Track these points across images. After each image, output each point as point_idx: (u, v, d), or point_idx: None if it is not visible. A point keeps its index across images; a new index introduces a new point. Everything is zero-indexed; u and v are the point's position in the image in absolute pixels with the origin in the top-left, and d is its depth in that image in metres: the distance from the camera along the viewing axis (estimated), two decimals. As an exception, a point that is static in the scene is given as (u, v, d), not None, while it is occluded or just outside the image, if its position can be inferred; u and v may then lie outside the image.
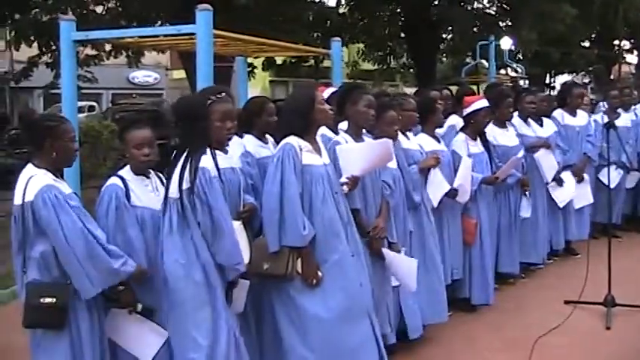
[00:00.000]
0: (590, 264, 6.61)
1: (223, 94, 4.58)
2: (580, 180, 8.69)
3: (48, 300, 3.99)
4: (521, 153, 7.32)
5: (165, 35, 7.17)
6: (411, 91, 15.02)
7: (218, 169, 4.28)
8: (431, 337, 6.04)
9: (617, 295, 6.53)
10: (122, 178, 4.36)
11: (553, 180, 8.13)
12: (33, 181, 4.03)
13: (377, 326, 4.78)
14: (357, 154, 4.94)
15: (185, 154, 4.21)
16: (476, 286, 6.75)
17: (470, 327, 6.42)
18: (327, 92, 5.76)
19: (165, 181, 4.35)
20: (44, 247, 4.02)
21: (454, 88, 9.24)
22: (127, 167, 4.44)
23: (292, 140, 4.59)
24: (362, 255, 4.82)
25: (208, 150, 4.27)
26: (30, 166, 4.13)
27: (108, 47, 17.92)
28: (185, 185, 4.12)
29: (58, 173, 4.20)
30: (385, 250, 5.23)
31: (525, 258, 7.83)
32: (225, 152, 4.65)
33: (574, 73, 37.15)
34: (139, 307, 4.23)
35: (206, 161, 4.21)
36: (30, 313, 4.03)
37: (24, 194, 4.03)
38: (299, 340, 4.54)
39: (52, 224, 3.96)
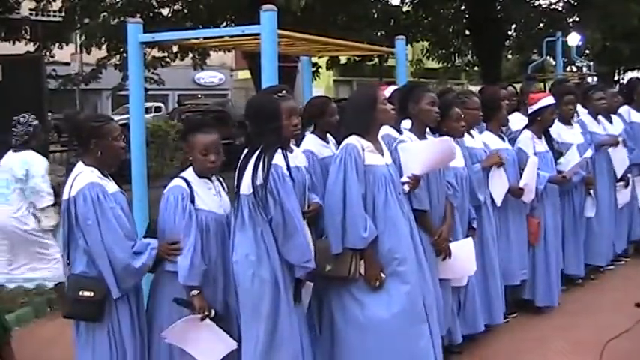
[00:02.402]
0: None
1: (284, 91, 4.59)
2: None
3: (87, 294, 4.15)
4: (589, 152, 7.15)
5: (230, 36, 7.22)
6: (476, 89, 14.90)
7: (289, 167, 4.30)
8: (497, 336, 6.01)
9: (689, 298, 6.36)
10: (186, 181, 4.32)
11: (621, 180, 7.93)
12: (79, 178, 4.19)
13: (435, 329, 4.75)
14: (419, 153, 4.90)
15: (258, 152, 4.23)
16: (540, 287, 6.65)
17: (536, 328, 6.33)
18: (388, 91, 5.72)
19: (232, 182, 4.36)
20: None
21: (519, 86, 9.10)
22: (190, 169, 4.40)
23: (354, 140, 4.57)
24: (424, 257, 4.79)
25: (280, 149, 4.29)
26: (80, 164, 4.28)
27: (174, 49, 18.18)
28: (258, 182, 4.15)
29: (107, 172, 4.35)
30: (451, 245, 5.21)
31: (590, 260, 7.66)
32: (291, 151, 4.64)
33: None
34: (212, 312, 4.22)
35: (278, 159, 4.23)
36: (69, 304, 4.26)
37: (70, 190, 4.19)
38: (358, 343, 4.53)
39: (89, 221, 4.09)
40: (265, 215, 4.16)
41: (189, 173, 4.38)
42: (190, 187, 4.28)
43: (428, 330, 4.64)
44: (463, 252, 5.30)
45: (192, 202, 4.26)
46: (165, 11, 17.47)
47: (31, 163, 6.54)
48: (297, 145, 5.06)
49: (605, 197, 7.75)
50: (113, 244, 4.08)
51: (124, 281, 4.14)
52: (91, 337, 4.22)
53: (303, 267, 4.25)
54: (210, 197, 4.38)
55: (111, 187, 4.27)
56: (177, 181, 4.33)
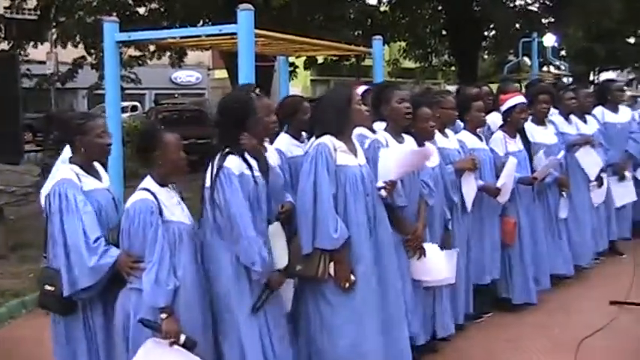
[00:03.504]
0: (637, 265, 6.51)
1: (257, 89, 4.56)
2: (622, 178, 8.53)
3: (48, 287, 4.16)
4: (561, 153, 7.19)
5: (207, 35, 7.20)
6: (453, 88, 14.91)
7: (251, 168, 4.19)
8: (471, 336, 6.02)
9: (664, 296, 6.44)
10: (151, 192, 4.01)
11: (596, 180, 7.96)
12: (56, 175, 4.20)
13: (402, 329, 4.76)
14: (398, 160, 4.84)
15: (220, 154, 4.18)
16: (516, 285, 6.67)
17: (512, 327, 6.36)
18: (359, 90, 5.69)
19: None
20: None
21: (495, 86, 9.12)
22: (149, 179, 4.09)
23: (326, 140, 4.52)
24: (385, 258, 4.74)
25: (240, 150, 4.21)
26: (66, 161, 4.28)
27: (151, 48, 18.12)
28: (207, 184, 4.13)
29: (94, 168, 4.31)
30: (427, 246, 5.18)
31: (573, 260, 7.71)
32: (265, 150, 4.61)
33: (619, 70, 36.64)
34: (182, 338, 3.88)
35: (232, 161, 4.13)
36: (40, 296, 4.28)
37: (48, 187, 4.23)
38: (330, 347, 4.51)
39: (55, 216, 4.06)
40: (214, 218, 4.11)
41: (150, 183, 4.06)
42: (157, 199, 3.99)
43: (401, 331, 4.64)
44: (440, 259, 5.29)
45: (160, 214, 3.97)
46: (141, 10, 17.40)
47: None
48: (271, 144, 5.04)
49: (581, 197, 7.77)
50: (71, 241, 4.00)
51: (80, 279, 4.02)
52: (61, 331, 4.24)
53: (252, 270, 4.11)
54: (176, 207, 4.12)
55: (91, 183, 4.22)
56: (142, 194, 4.00)
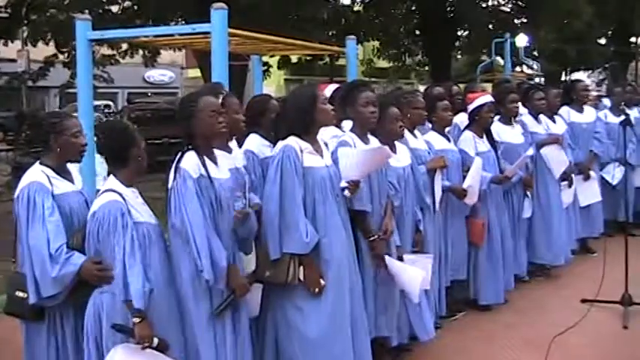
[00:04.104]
0: (607, 262, 6.57)
1: (222, 89, 4.54)
2: (587, 177, 8.62)
3: (20, 294, 4.05)
4: (530, 151, 7.22)
5: (181, 34, 7.19)
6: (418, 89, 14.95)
7: (207, 170, 4.03)
8: (447, 336, 6.03)
9: (634, 294, 6.49)
10: (118, 193, 3.88)
11: (564, 180, 8.03)
12: (25, 177, 4.09)
13: (365, 329, 4.72)
14: (357, 159, 4.73)
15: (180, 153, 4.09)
16: (483, 286, 6.68)
17: (486, 326, 6.40)
18: (328, 90, 5.63)
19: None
20: None
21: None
22: (113, 178, 3.97)
23: (292, 141, 4.44)
24: (356, 260, 4.73)
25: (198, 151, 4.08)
26: (36, 164, 4.16)
27: (124, 47, 18.02)
28: (169, 185, 4.02)
29: (66, 169, 4.23)
30: (389, 260, 5.05)
31: (539, 259, 7.77)
32: (229, 151, 4.55)
33: (590, 71, 37.00)
34: (155, 341, 3.77)
35: (188, 161, 4.00)
36: (8, 302, 4.14)
37: (17, 189, 4.11)
38: (300, 353, 4.46)
39: (21, 220, 3.98)
40: (171, 220, 4.00)
41: (115, 184, 3.94)
42: (124, 200, 3.87)
43: (350, 335, 4.55)
44: (409, 277, 5.14)
45: (129, 215, 3.86)
46: (114, 8, 17.29)
47: None
48: (240, 144, 5.00)
49: (551, 196, 7.82)
50: (34, 249, 3.91)
51: (43, 288, 3.92)
52: (31, 336, 4.16)
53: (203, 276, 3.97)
54: (142, 207, 4.01)
55: (63, 186, 4.14)
56: (109, 195, 3.86)
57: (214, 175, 4.05)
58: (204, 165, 4.01)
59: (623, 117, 7.20)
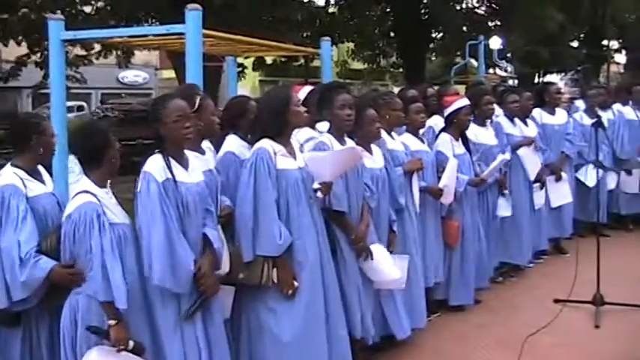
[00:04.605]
0: (579, 263, 6.64)
1: (198, 91, 4.52)
2: (558, 179, 8.70)
3: None
4: (507, 155, 7.29)
5: (155, 35, 7.15)
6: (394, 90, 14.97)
7: (173, 173, 3.97)
8: (420, 337, 6.05)
9: (605, 294, 6.56)
10: (93, 194, 3.85)
11: (536, 181, 8.12)
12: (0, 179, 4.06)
13: (342, 328, 4.75)
14: (325, 161, 4.77)
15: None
16: (454, 286, 6.72)
17: (459, 327, 6.43)
18: (303, 92, 5.62)
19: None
20: None
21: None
22: (85, 179, 3.93)
23: (265, 144, 4.46)
24: (329, 262, 4.75)
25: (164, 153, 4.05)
26: (7, 166, 4.13)
27: (97, 47, 17.90)
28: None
29: (38, 171, 4.21)
30: (375, 248, 5.16)
31: (509, 258, 7.85)
32: (203, 153, 4.54)
33: (563, 73, 37.31)
34: (131, 344, 3.74)
35: (154, 165, 3.96)
36: None
37: None
38: (273, 355, 4.46)
39: None
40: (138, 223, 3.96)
41: (89, 185, 3.90)
42: (99, 201, 3.83)
43: (324, 338, 4.57)
44: (388, 260, 5.27)
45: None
46: (87, 8, 17.18)
47: None
48: (217, 146, 5.00)
49: (522, 197, 7.92)
50: (5, 252, 3.88)
51: (14, 292, 3.90)
52: (3, 343, 4.10)
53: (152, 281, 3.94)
54: (116, 207, 3.97)
55: (36, 188, 4.12)
56: (84, 197, 3.81)
57: (181, 179, 4.00)
58: (169, 168, 3.97)
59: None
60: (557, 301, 6.85)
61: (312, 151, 4.96)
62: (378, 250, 5.22)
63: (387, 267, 5.27)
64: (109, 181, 4.03)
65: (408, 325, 5.69)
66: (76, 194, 3.87)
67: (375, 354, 5.58)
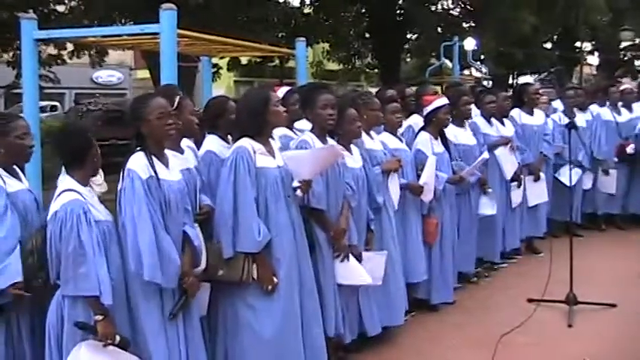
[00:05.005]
0: (553, 263, 6.69)
1: (177, 92, 4.56)
2: (537, 178, 8.78)
3: None
4: (486, 155, 7.35)
5: (129, 34, 7.12)
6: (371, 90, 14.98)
7: (156, 171, 4.02)
8: (395, 337, 6.07)
9: (578, 293, 6.61)
10: (78, 192, 3.87)
11: (513, 180, 8.20)
12: None
13: (318, 326, 4.80)
14: (304, 160, 4.83)
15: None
16: (435, 285, 6.76)
17: (434, 326, 6.45)
18: (281, 92, 5.72)
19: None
20: None
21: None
22: (67, 177, 3.96)
23: (245, 142, 4.52)
24: (308, 259, 4.82)
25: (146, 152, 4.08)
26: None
27: (70, 47, 17.77)
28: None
29: (14, 170, 4.19)
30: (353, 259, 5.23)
31: (482, 255, 7.94)
32: (181, 152, 4.58)
33: (536, 74, 37.57)
34: (117, 339, 3.81)
35: (137, 162, 4.00)
36: None
37: None
38: (252, 351, 4.49)
39: None
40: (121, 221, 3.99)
41: (72, 184, 3.92)
42: (84, 199, 3.86)
43: (300, 336, 4.62)
44: (357, 266, 5.31)
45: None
46: (60, 8, 17.03)
47: None
48: (198, 145, 5.00)
49: (498, 196, 7.97)
50: None
51: None
52: None
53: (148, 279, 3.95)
54: (99, 205, 4.01)
55: (15, 185, 4.11)
56: (70, 195, 3.83)
57: (163, 177, 4.05)
58: (152, 166, 4.02)
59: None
60: (530, 300, 6.90)
61: (293, 150, 5.01)
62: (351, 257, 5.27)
63: (358, 271, 5.30)
64: (91, 179, 4.07)
65: (379, 321, 5.74)
66: (60, 193, 3.88)
67: (350, 353, 5.59)
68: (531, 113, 9.05)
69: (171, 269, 3.96)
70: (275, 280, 4.49)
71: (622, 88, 10.72)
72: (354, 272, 5.27)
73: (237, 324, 4.52)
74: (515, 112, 8.89)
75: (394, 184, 6.12)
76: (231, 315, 4.54)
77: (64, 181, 3.96)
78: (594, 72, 36.70)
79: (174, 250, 4.00)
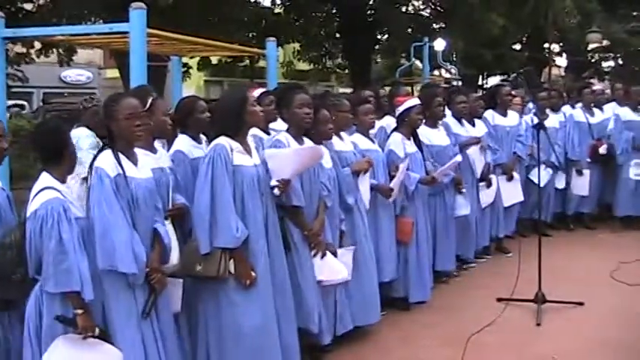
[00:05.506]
0: (522, 262, 6.75)
1: (151, 92, 4.62)
2: (510, 178, 8.86)
3: None
4: (459, 157, 7.38)
5: (98, 33, 7.06)
6: (345, 91, 14.99)
7: (123, 169, 4.07)
8: (366, 335, 6.09)
9: (547, 292, 6.67)
10: (57, 190, 3.90)
11: (482, 180, 8.27)
12: None
13: (291, 322, 4.86)
14: (287, 159, 4.91)
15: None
16: (413, 284, 6.79)
17: (405, 325, 6.48)
18: (256, 92, 5.77)
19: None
20: None
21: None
22: (46, 175, 3.97)
23: (223, 141, 4.58)
24: (283, 257, 4.88)
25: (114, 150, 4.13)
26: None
27: (38, 45, 17.57)
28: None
29: None
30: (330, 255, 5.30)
31: (459, 254, 8.00)
32: (155, 152, 4.64)
33: (506, 75, 37.80)
34: (97, 331, 3.87)
35: (105, 160, 4.06)
36: None
37: None
38: (233, 346, 4.54)
39: None
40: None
41: (51, 181, 3.95)
42: (64, 197, 3.90)
43: (277, 331, 4.68)
44: (333, 260, 5.38)
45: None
46: (28, 6, 16.83)
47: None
48: (169, 145, 5.01)
49: (470, 196, 8.03)
50: None
51: None
52: None
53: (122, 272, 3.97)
54: (77, 202, 4.04)
55: None
56: (50, 193, 3.85)
57: (131, 175, 4.11)
58: (120, 164, 4.07)
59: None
60: (500, 299, 6.95)
61: (272, 149, 5.06)
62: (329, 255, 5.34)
63: (335, 266, 5.36)
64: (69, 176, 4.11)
65: (351, 320, 5.78)
66: (39, 191, 3.90)
67: (324, 353, 5.60)
68: (505, 114, 9.14)
69: (140, 263, 4.01)
70: (253, 274, 4.53)
71: (594, 89, 10.87)
72: (333, 267, 5.34)
73: (218, 319, 4.57)
74: (489, 114, 8.98)
75: (365, 185, 6.15)
76: (212, 309, 4.59)
77: (42, 178, 3.98)
78: (562, 73, 36.95)
79: (142, 247, 4.04)
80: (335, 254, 5.41)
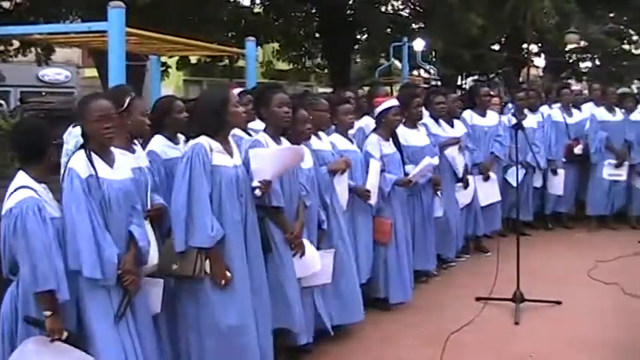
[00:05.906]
0: (500, 261, 6.79)
1: (129, 92, 4.59)
2: (486, 178, 8.90)
3: None
4: (436, 160, 7.39)
5: (77, 32, 7.02)
6: (325, 91, 14.98)
7: (95, 170, 4.05)
8: (347, 335, 6.09)
9: (525, 291, 6.71)
10: (33, 189, 3.88)
11: (460, 181, 8.30)
12: None
13: (266, 323, 4.85)
14: (270, 159, 4.91)
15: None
16: (393, 285, 6.79)
17: (387, 326, 6.48)
18: (236, 91, 5.72)
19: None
20: None
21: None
22: (23, 174, 3.95)
23: (203, 140, 4.55)
24: (261, 257, 4.88)
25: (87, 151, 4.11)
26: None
27: (16, 44, 17.44)
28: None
29: None
30: (306, 243, 5.30)
31: (438, 251, 8.02)
32: (133, 152, 4.61)
33: (485, 75, 37.97)
34: (65, 334, 3.82)
35: (77, 161, 4.04)
36: None
37: None
38: (213, 345, 4.54)
39: None
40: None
41: (27, 180, 3.92)
42: (40, 196, 3.88)
43: (255, 330, 4.68)
44: (314, 253, 5.40)
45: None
46: (6, 4, 16.71)
47: None
48: (145, 145, 4.98)
49: (449, 197, 8.06)
50: None
51: None
52: None
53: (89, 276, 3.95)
54: (53, 202, 4.01)
55: None
56: (25, 192, 3.84)
57: (103, 176, 4.09)
58: (92, 165, 4.05)
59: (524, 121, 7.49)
60: (479, 299, 6.98)
61: (256, 148, 5.03)
62: (307, 245, 5.34)
63: (314, 260, 5.39)
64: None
65: (329, 320, 5.77)
66: (14, 190, 3.88)
67: (303, 353, 5.59)
68: (484, 115, 9.18)
69: (109, 267, 3.98)
70: (228, 274, 4.52)
71: (572, 89, 10.98)
72: (312, 260, 5.35)
73: (197, 318, 4.55)
74: (467, 114, 9.03)
75: (342, 185, 6.14)
76: (191, 309, 4.58)
77: (18, 177, 3.95)
78: (541, 74, 37.16)
79: (114, 249, 4.01)
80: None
